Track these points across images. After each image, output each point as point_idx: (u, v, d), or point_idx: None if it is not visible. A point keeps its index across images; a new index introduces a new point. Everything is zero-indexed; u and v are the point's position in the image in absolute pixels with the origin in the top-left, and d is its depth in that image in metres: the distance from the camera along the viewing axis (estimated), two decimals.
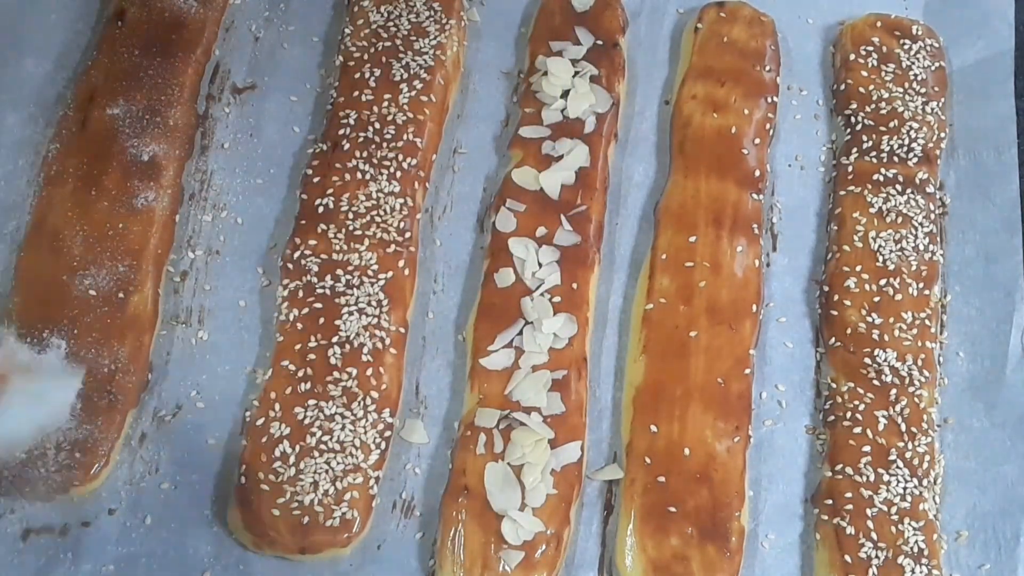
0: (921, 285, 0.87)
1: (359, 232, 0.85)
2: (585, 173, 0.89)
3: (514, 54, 0.98)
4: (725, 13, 0.98)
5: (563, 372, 0.82)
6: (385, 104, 0.89)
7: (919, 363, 0.84)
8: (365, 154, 0.87)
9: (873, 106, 0.95)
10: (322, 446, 0.77)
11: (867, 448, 0.81)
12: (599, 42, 0.95)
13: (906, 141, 0.92)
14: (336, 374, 0.80)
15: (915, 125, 0.93)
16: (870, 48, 0.97)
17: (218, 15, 0.94)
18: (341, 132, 0.88)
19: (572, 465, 0.79)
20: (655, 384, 0.82)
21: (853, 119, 0.95)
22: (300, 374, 0.80)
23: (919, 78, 0.96)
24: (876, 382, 0.84)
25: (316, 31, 0.97)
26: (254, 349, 0.84)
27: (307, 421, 0.78)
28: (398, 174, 0.87)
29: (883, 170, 0.92)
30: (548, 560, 0.76)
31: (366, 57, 0.92)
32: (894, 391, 0.83)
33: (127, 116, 0.87)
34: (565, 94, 0.92)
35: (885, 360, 0.84)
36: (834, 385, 0.85)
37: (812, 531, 0.81)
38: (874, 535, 0.78)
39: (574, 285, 0.85)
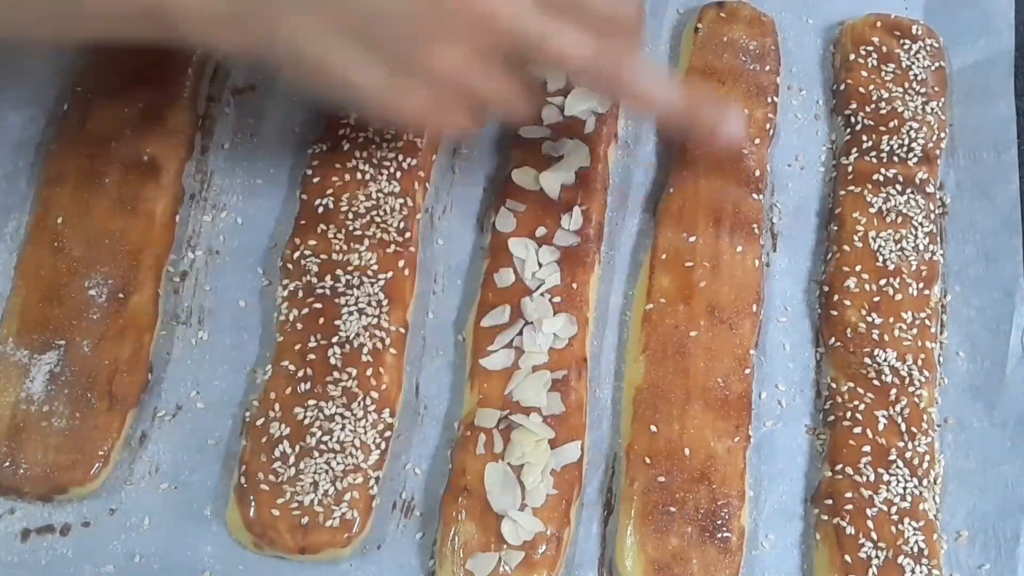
0: (921, 285, 0.87)
1: (359, 232, 0.85)
2: (585, 173, 0.89)
3: None
4: (725, 13, 0.98)
5: (563, 372, 0.82)
6: None
7: (919, 363, 0.84)
8: (365, 154, 0.87)
9: (873, 106, 0.95)
10: (322, 446, 0.77)
11: (867, 448, 0.81)
12: None
13: (906, 141, 0.92)
14: (336, 374, 0.80)
15: (915, 125, 0.93)
16: (870, 48, 0.97)
17: None
18: (341, 132, 0.88)
19: (572, 465, 0.79)
20: (655, 384, 0.82)
21: (853, 119, 0.95)
22: (300, 374, 0.80)
23: (919, 78, 0.96)
24: (876, 382, 0.84)
25: None
26: (254, 349, 0.84)
27: (307, 421, 0.78)
28: (398, 174, 0.87)
29: (883, 170, 0.92)
30: (548, 560, 0.76)
31: None
32: (894, 391, 0.83)
33: (127, 116, 0.87)
34: (565, 94, 0.92)
35: (885, 360, 0.84)
36: (834, 385, 0.85)
37: (812, 531, 0.81)
38: (874, 535, 0.78)
39: (574, 285, 0.85)
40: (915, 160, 0.92)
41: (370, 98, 0.72)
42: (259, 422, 0.79)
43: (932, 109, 0.95)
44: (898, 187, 0.91)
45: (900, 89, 0.95)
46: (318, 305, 0.82)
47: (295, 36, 0.69)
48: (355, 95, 0.73)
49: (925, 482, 0.81)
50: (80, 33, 0.74)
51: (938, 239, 0.90)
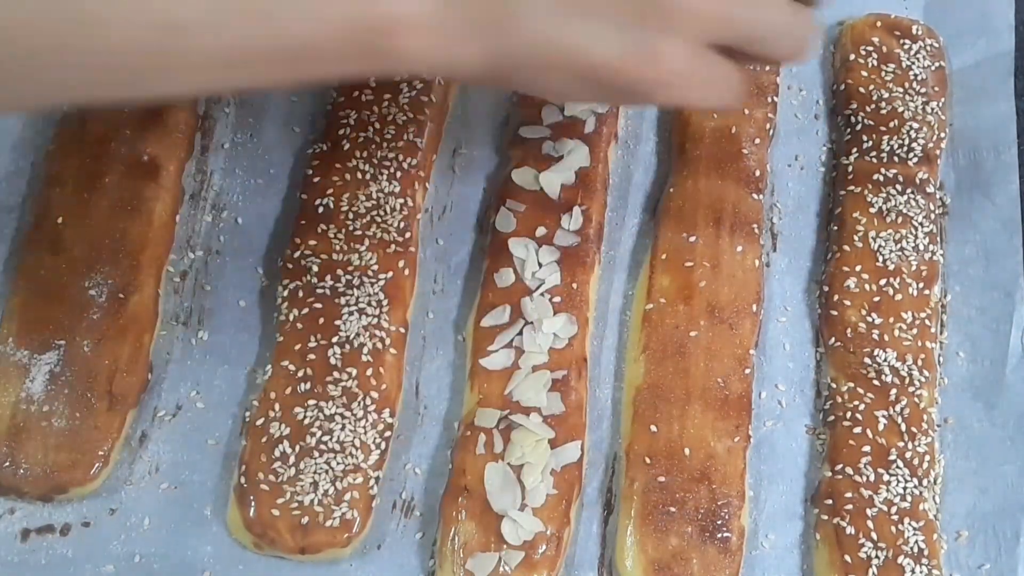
0: (921, 285, 0.87)
1: (359, 232, 0.85)
2: (585, 173, 0.89)
3: None
4: None
5: (563, 372, 0.82)
6: (385, 104, 0.89)
7: (919, 363, 0.84)
8: (365, 154, 0.87)
9: (873, 106, 0.95)
10: (322, 446, 0.77)
11: (867, 448, 0.81)
12: None
13: (906, 141, 0.92)
14: (336, 374, 0.80)
15: (915, 125, 0.93)
16: (870, 48, 0.97)
17: None
18: (341, 132, 0.88)
19: (572, 465, 0.79)
20: (655, 384, 0.82)
21: (853, 119, 0.95)
22: (300, 374, 0.80)
23: (919, 78, 0.96)
24: (876, 382, 0.84)
25: None
26: (254, 349, 0.84)
27: (307, 421, 0.78)
28: (398, 174, 0.87)
29: (883, 170, 0.91)
30: (548, 560, 0.76)
31: None
32: (894, 391, 0.83)
33: (127, 116, 0.87)
34: None
35: (885, 360, 0.84)
36: (834, 385, 0.85)
37: (812, 531, 0.81)
38: (874, 535, 0.78)
39: (574, 285, 0.85)
40: (915, 160, 0.92)
41: (616, 74, 0.65)
42: (259, 422, 0.79)
43: (932, 109, 0.95)
44: (898, 187, 0.91)
45: (900, 89, 0.95)
46: (318, 305, 0.82)
47: (534, 26, 0.63)
48: (598, 75, 0.65)
49: (925, 482, 0.81)
50: (287, 77, 0.64)
51: (938, 239, 0.90)
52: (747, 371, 0.83)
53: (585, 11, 0.64)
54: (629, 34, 0.64)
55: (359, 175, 0.87)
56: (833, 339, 0.86)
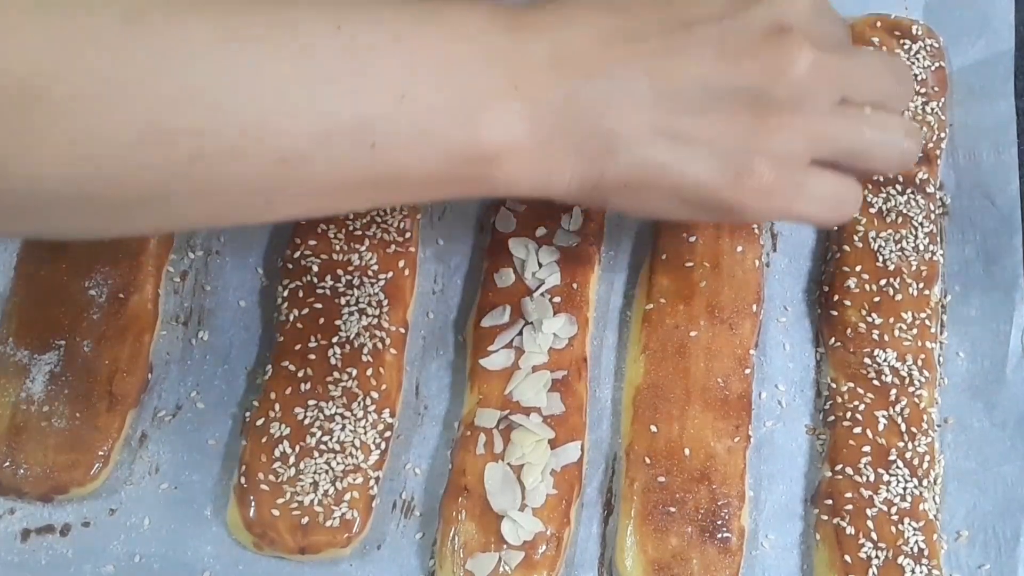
0: (921, 285, 0.87)
1: (359, 232, 0.85)
2: None
3: None
4: None
5: (563, 372, 0.82)
6: None
7: (919, 363, 0.84)
8: None
9: None
10: (322, 446, 0.77)
11: (867, 448, 0.81)
12: None
13: None
14: (336, 374, 0.80)
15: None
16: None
17: None
18: None
19: (572, 465, 0.79)
20: (655, 384, 0.82)
21: None
22: (300, 374, 0.80)
23: (919, 78, 0.96)
24: (876, 382, 0.84)
25: None
26: (254, 349, 0.84)
27: (307, 421, 0.78)
28: None
29: None
30: (548, 560, 0.76)
31: None
32: (894, 391, 0.83)
33: None
34: None
35: (885, 360, 0.84)
36: (834, 385, 0.85)
37: (812, 531, 0.81)
38: (874, 535, 0.78)
39: (574, 285, 0.85)
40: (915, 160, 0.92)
41: (711, 192, 0.66)
42: (259, 422, 0.79)
43: (932, 109, 0.95)
44: (898, 187, 0.91)
45: None
46: (318, 305, 0.82)
47: (631, 152, 0.64)
48: (695, 195, 0.66)
49: (925, 482, 0.81)
50: (390, 201, 0.67)
51: (938, 239, 0.90)
52: (747, 371, 0.83)
53: (680, 133, 0.64)
54: (725, 153, 0.65)
55: None
56: (833, 339, 0.86)
